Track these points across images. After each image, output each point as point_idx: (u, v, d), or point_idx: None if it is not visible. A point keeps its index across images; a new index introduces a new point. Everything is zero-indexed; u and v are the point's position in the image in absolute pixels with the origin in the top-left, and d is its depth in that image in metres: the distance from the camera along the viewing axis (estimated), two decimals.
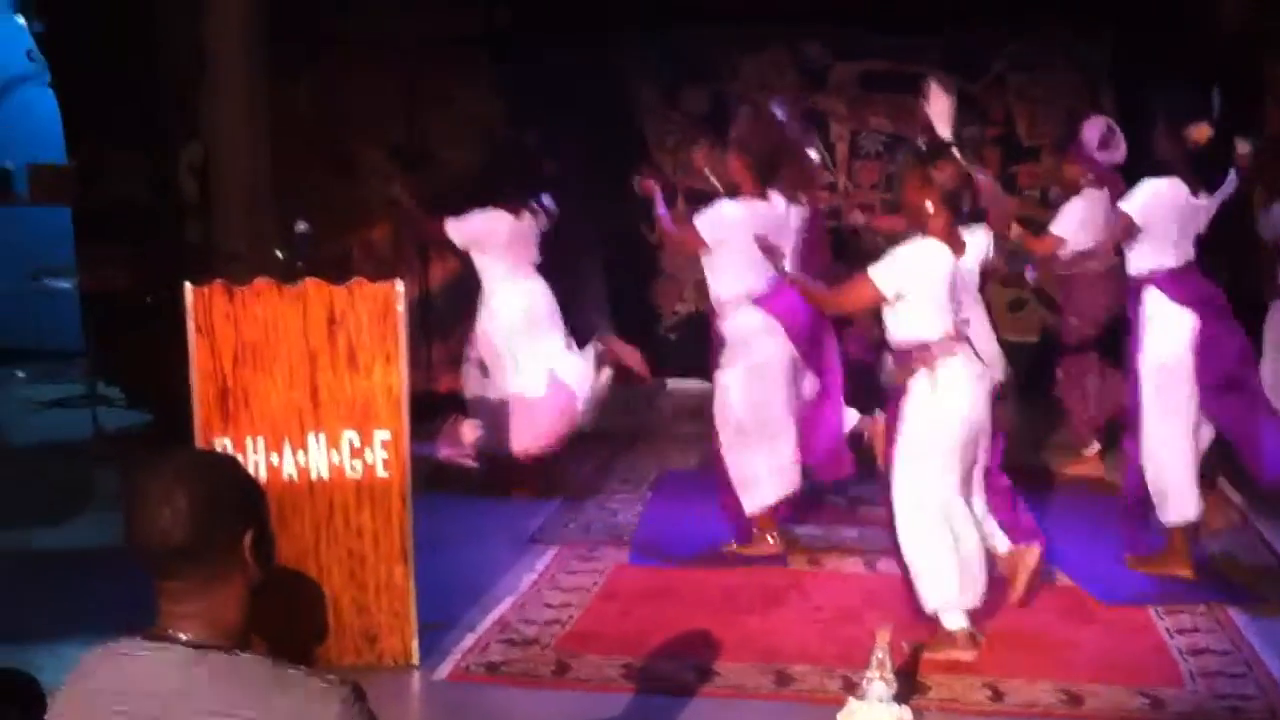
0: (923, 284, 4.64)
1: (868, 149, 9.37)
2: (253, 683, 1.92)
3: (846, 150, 9.39)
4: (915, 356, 4.67)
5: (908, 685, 4.29)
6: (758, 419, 5.75)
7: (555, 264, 6.93)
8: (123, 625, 2.02)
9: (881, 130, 9.34)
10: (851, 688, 4.22)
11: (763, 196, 5.70)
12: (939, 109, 4.82)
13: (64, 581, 5.55)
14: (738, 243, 5.60)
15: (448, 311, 8.66)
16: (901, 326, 4.70)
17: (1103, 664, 4.69)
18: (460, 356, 7.16)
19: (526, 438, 6.60)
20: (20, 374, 9.96)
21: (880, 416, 5.40)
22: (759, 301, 5.69)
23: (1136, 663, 4.72)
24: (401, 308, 4.57)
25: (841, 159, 9.36)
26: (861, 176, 9.38)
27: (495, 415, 6.61)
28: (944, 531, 4.66)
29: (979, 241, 5.27)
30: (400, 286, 4.60)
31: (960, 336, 4.72)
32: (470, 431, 6.51)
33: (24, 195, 8.80)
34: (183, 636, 1.97)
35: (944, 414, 4.65)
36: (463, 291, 7.48)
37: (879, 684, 4.04)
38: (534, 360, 6.61)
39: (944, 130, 4.77)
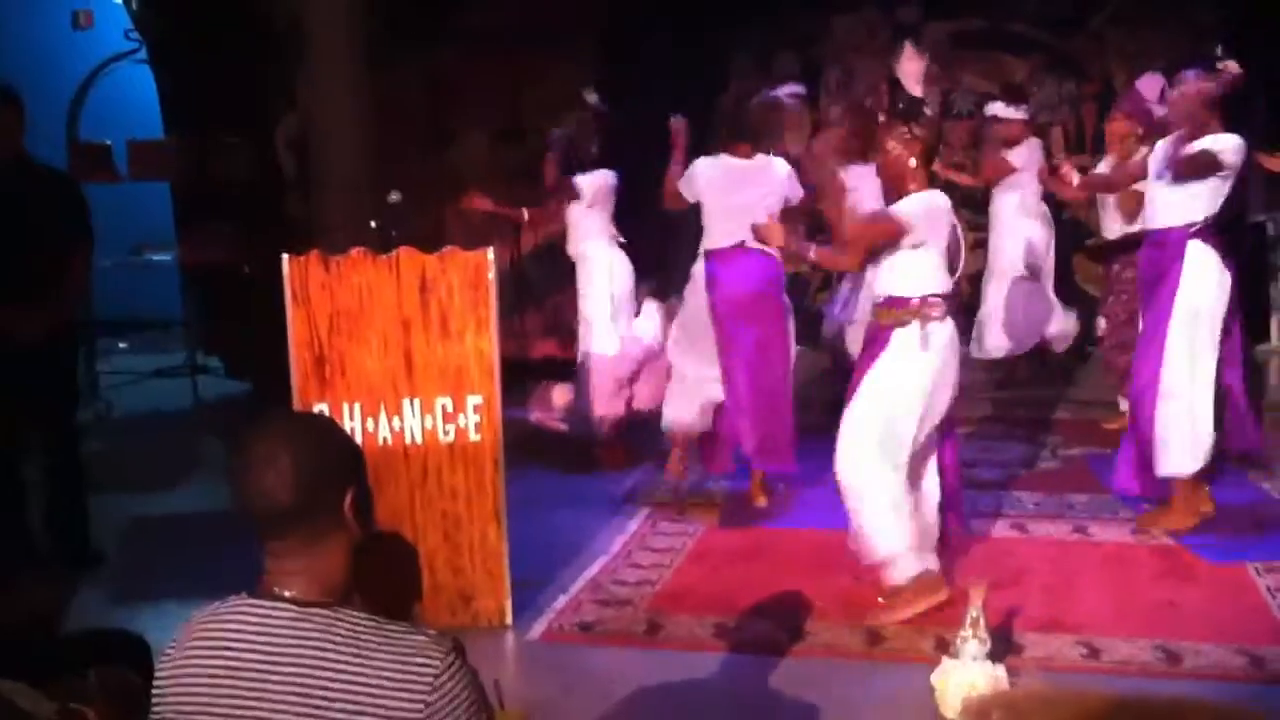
0: (935, 234, 4.67)
1: (960, 109, 9.26)
2: (356, 637, 1.97)
3: (939, 110, 9.28)
4: (914, 309, 4.65)
5: (1002, 644, 4.28)
6: (681, 355, 6.12)
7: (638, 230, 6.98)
8: (229, 588, 2.09)
9: (974, 90, 9.23)
10: (944, 647, 4.21)
11: (747, 156, 5.88)
12: (910, 69, 4.86)
13: (171, 547, 5.71)
14: (710, 200, 5.85)
15: (539, 280, 8.75)
16: (907, 277, 4.67)
17: (1201, 623, 4.63)
18: (553, 325, 7.24)
19: (609, 400, 6.66)
20: (122, 345, 10.22)
21: None
22: (709, 256, 5.90)
23: (1236, 621, 4.65)
24: (492, 275, 4.63)
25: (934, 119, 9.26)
26: (953, 136, 9.26)
27: (580, 378, 6.68)
28: (899, 479, 4.66)
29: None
30: (491, 255, 4.65)
31: (955, 298, 4.73)
32: (561, 395, 6.58)
33: (124, 171, 9.00)
34: (287, 594, 2.02)
35: (925, 371, 4.66)
36: (554, 261, 7.54)
37: (973, 643, 4.02)
38: (613, 322, 6.68)
39: (915, 89, 4.81)
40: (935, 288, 4.67)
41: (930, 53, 9.10)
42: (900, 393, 4.65)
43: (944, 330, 4.68)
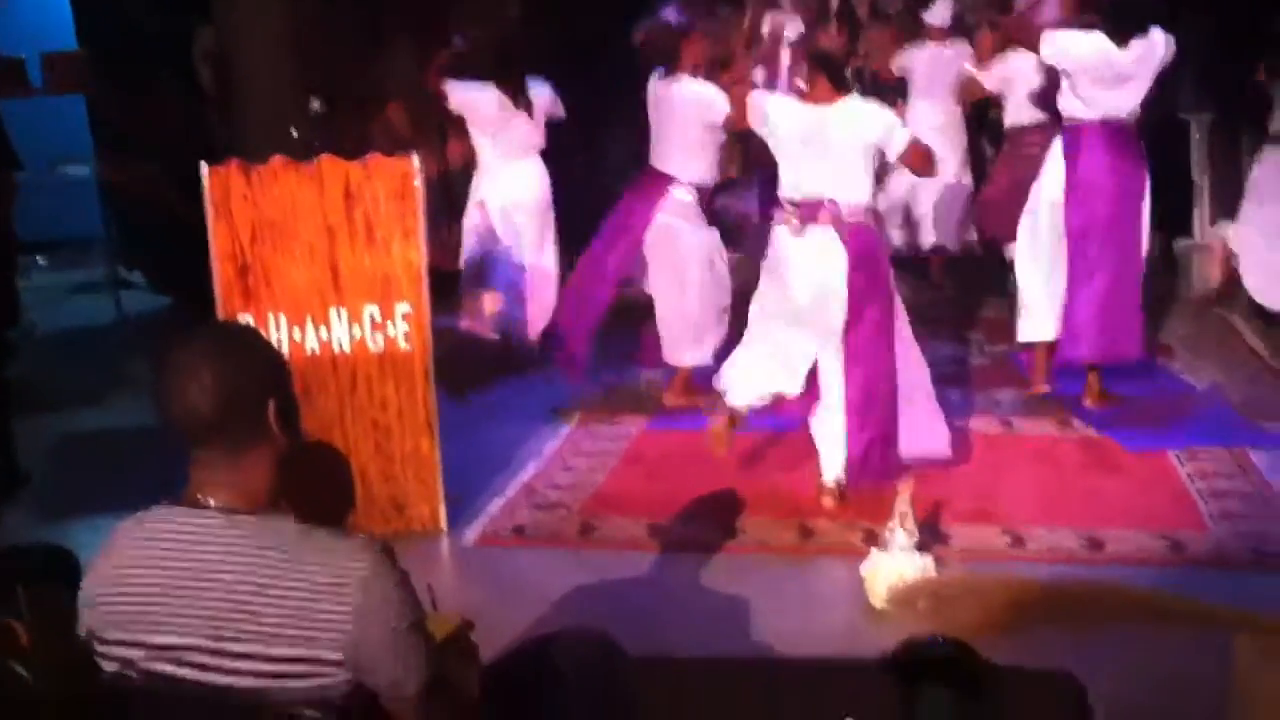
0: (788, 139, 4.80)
1: (885, 11, 9.18)
2: (282, 544, 1.97)
3: (868, 13, 9.21)
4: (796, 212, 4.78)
5: (930, 535, 4.36)
6: None
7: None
8: (157, 500, 2.08)
9: None
10: (874, 539, 4.29)
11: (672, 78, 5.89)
12: None
13: (99, 461, 5.68)
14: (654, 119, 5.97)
15: (468, 190, 8.63)
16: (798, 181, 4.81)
17: (1124, 509, 4.74)
18: None
19: (542, 312, 6.65)
20: (41, 261, 10.03)
21: None
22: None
23: (1158, 507, 4.77)
24: (419, 183, 4.59)
25: (864, 22, 9.18)
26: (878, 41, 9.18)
27: (513, 288, 6.64)
28: (763, 340, 4.90)
29: None
30: (416, 162, 4.60)
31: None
32: (491, 303, 6.55)
33: (38, 85, 8.76)
34: (213, 502, 2.02)
35: (794, 277, 4.83)
36: None
37: (901, 534, 4.10)
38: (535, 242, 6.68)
39: None
40: (784, 193, 4.83)
41: None
42: (777, 293, 4.94)
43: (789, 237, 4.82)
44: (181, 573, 1.96)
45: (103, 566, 2.04)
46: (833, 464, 4.83)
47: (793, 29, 8.14)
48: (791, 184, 4.81)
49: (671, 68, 5.85)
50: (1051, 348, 5.85)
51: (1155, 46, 5.45)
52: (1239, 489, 4.90)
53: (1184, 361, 6.53)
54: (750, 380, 4.91)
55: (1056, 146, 5.69)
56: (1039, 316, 5.83)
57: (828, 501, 4.83)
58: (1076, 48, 5.53)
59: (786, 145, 4.84)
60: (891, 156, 4.75)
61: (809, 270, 4.76)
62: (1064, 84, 5.63)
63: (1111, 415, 5.69)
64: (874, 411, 4.75)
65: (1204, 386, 6.11)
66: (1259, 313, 6.98)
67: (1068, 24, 6.06)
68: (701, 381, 6.13)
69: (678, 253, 5.98)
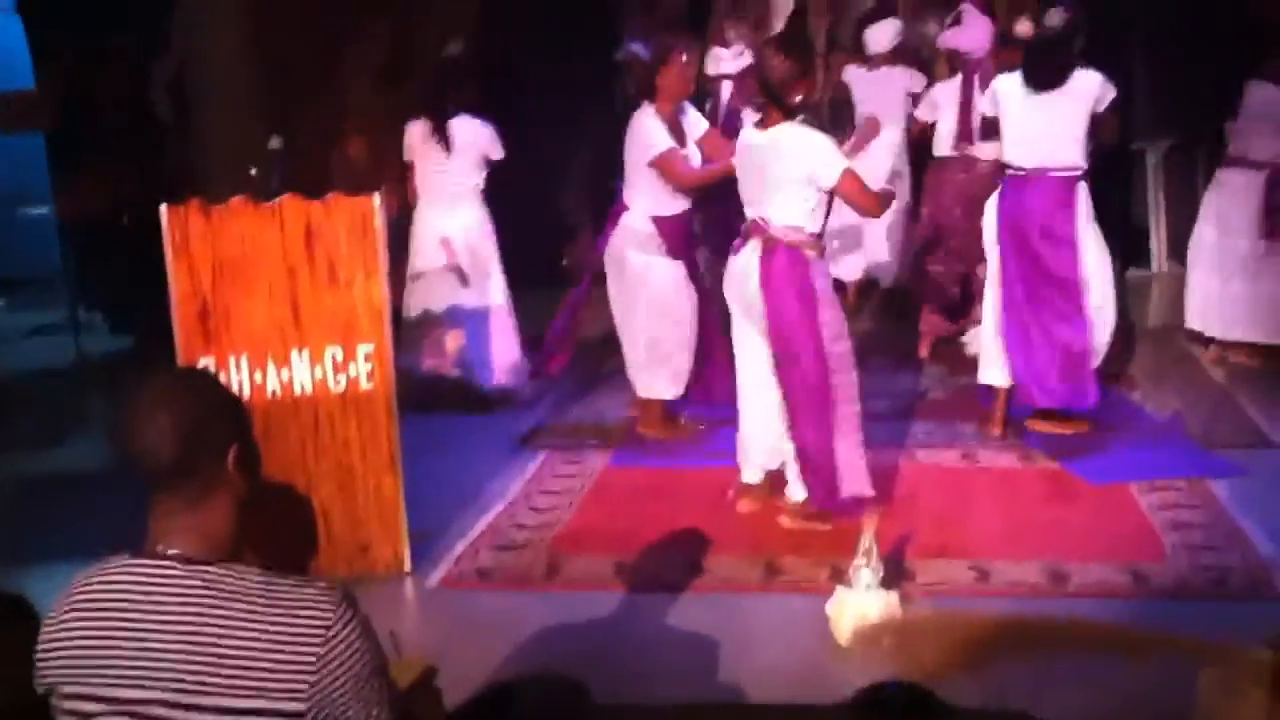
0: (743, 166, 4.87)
1: (844, 42, 9.27)
2: (244, 593, 1.95)
3: (825, 43, 9.29)
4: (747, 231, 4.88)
5: (895, 571, 4.36)
6: None
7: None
8: (115, 546, 2.06)
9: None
10: (839, 576, 4.28)
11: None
12: (779, 5, 4.98)
13: (56, 505, 5.60)
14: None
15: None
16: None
17: (1086, 542, 4.77)
18: None
19: (499, 354, 6.67)
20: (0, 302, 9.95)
21: None
22: None
23: (1120, 539, 4.80)
24: (379, 222, 4.57)
25: (820, 52, 9.27)
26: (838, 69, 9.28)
27: (476, 327, 6.64)
28: (753, 398, 5.05)
29: None
30: (378, 201, 4.59)
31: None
32: (453, 341, 6.54)
33: None
34: (172, 551, 2.00)
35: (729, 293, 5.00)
36: None
37: (866, 571, 4.10)
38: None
39: (778, 25, 4.90)
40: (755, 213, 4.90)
41: None
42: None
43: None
44: (141, 625, 1.94)
45: (61, 617, 2.01)
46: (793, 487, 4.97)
47: (737, 63, 8.22)
48: (745, 207, 4.91)
49: (641, 99, 5.90)
50: (1010, 391, 5.87)
51: (1080, 95, 5.53)
52: (1199, 520, 4.93)
53: (1144, 391, 6.59)
54: (749, 456, 5.12)
55: (994, 197, 5.80)
56: (991, 362, 5.89)
57: (784, 521, 4.95)
58: (1006, 101, 5.63)
59: (741, 170, 4.95)
60: (824, 186, 4.73)
61: (735, 287, 4.92)
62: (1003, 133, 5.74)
63: (1072, 446, 5.72)
64: (802, 430, 4.81)
65: (1164, 417, 6.16)
66: (1198, 338, 7.08)
67: (988, 52, 6.22)
68: (676, 410, 6.15)
69: (624, 281, 5.99)
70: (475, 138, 6.59)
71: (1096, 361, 5.75)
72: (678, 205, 5.93)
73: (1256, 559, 4.56)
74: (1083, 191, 5.61)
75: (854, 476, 4.82)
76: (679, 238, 5.98)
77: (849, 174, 4.69)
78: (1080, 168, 5.60)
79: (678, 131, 5.85)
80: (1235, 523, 4.88)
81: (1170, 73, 6.80)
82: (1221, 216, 6.90)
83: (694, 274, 6.04)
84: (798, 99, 4.75)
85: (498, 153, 6.65)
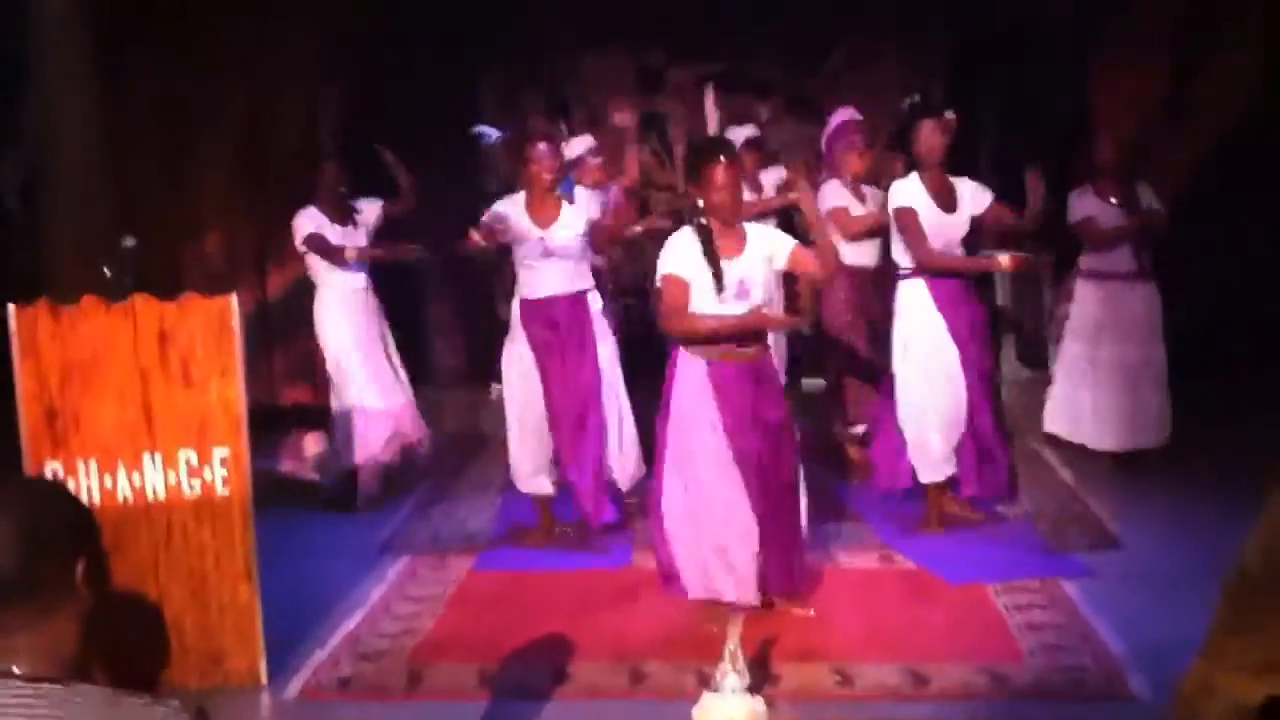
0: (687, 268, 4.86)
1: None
2: (90, 713, 1.87)
3: (685, 151, 9.46)
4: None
5: (760, 675, 4.35)
6: None
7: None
8: None
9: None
10: (706, 681, 4.25)
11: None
12: (708, 112, 5.19)
13: None
14: None
15: (287, 323, 8.48)
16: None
17: (946, 643, 4.81)
18: (303, 368, 7.07)
19: (368, 449, 6.54)
20: None
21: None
22: None
23: (978, 640, 4.85)
24: (236, 323, 4.50)
25: (680, 160, 9.43)
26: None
27: (339, 427, 6.53)
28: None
29: None
30: (235, 301, 4.52)
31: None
32: (313, 445, 6.43)
33: None
34: (16, 670, 1.91)
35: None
36: (302, 302, 7.36)
37: (732, 676, 4.07)
38: (368, 372, 6.57)
39: (712, 129, 5.07)
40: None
41: (678, 95, 9.37)
42: None
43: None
44: None
45: None
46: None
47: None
48: None
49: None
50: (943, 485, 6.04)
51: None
52: (1053, 620, 5.01)
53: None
54: (701, 579, 4.98)
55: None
56: (931, 460, 5.98)
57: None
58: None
59: None
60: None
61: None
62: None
63: (930, 547, 5.81)
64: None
65: (1015, 517, 6.28)
66: (1056, 442, 7.26)
67: (860, 153, 6.44)
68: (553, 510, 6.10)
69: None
70: (377, 216, 6.72)
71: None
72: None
73: (1109, 659, 4.64)
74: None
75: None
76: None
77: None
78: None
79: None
80: (1088, 623, 4.96)
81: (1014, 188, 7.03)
82: (1088, 328, 7.09)
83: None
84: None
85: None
